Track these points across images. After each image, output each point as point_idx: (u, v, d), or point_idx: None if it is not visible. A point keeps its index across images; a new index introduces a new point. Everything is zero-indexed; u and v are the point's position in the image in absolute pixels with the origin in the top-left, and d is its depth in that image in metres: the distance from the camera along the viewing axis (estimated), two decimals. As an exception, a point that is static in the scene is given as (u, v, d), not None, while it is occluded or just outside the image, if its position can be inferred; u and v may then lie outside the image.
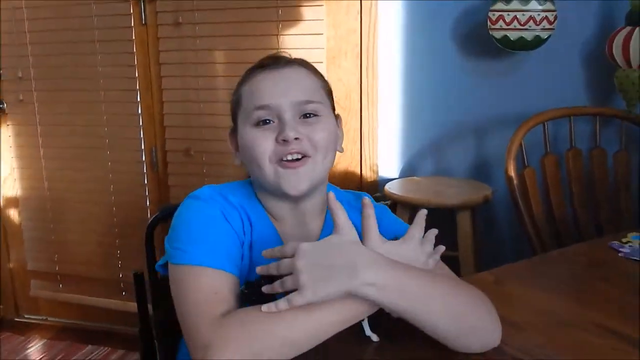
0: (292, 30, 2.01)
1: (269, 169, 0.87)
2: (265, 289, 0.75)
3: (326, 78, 0.98)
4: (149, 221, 1.16)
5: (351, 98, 2.03)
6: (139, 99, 2.23)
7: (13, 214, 2.51)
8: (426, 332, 0.78)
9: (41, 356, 2.31)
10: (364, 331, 0.83)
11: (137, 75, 2.21)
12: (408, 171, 2.08)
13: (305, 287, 0.70)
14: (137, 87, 2.22)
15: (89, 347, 2.35)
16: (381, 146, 2.07)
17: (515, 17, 1.74)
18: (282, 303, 0.71)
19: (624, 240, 1.26)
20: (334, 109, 0.96)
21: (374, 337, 0.83)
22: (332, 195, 0.78)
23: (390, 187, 1.87)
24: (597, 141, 1.85)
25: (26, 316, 2.58)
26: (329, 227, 0.91)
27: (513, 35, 1.76)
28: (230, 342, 0.69)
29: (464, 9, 1.93)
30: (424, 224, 0.82)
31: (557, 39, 1.80)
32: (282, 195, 0.89)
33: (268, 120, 0.87)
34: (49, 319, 2.56)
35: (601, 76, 1.89)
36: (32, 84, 2.33)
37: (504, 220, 2.05)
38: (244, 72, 0.93)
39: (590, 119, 1.86)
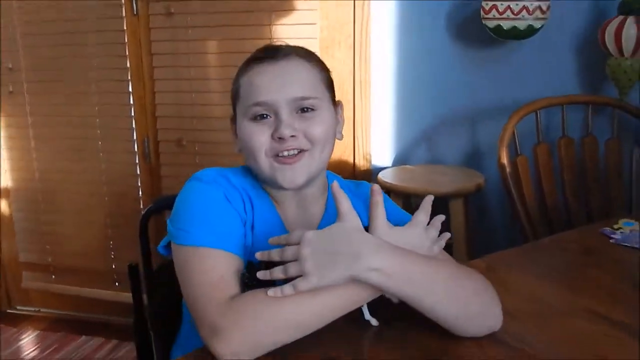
0: (285, 20, 2.00)
1: (264, 163, 0.89)
2: (261, 274, 0.76)
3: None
4: (143, 212, 1.16)
5: (344, 88, 2.03)
6: (130, 90, 2.22)
7: (4, 205, 2.49)
8: (429, 317, 0.79)
9: (34, 347, 2.30)
10: (363, 315, 0.84)
11: (128, 65, 2.19)
12: (401, 160, 2.09)
13: (311, 274, 0.72)
14: (129, 78, 2.21)
15: (83, 337, 2.35)
16: (374, 135, 2.08)
17: (508, 7, 1.73)
18: (287, 288, 0.73)
19: (615, 226, 1.27)
20: (334, 98, 0.96)
21: (374, 322, 0.84)
22: (335, 183, 0.80)
23: (383, 176, 1.88)
24: (589, 129, 1.86)
25: (18, 308, 2.58)
26: (330, 209, 0.94)
27: (506, 25, 1.76)
28: (239, 324, 0.72)
29: (457, -1, 1.93)
30: (429, 210, 0.83)
31: (550, 29, 1.81)
32: (279, 188, 0.91)
33: (265, 114, 0.88)
34: (41, 310, 2.56)
35: (593, 65, 1.89)
36: (22, 75, 2.32)
37: (496, 208, 2.06)
38: (243, 62, 0.93)
39: (583, 107, 1.87)
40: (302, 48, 0.94)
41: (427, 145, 2.07)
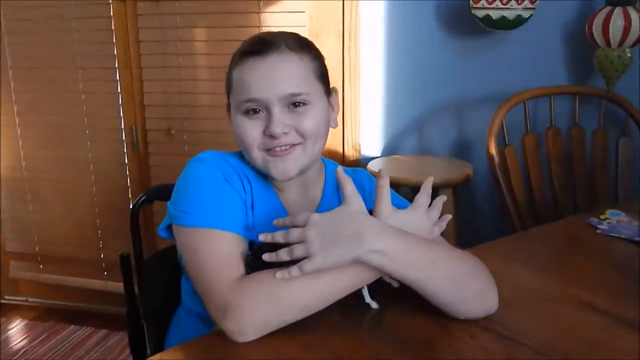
0: (274, 8, 1.98)
1: (257, 156, 0.90)
2: (267, 257, 0.77)
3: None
4: (135, 202, 1.16)
5: (333, 77, 2.00)
6: (118, 78, 2.19)
7: (-10, 194, 2.47)
8: (428, 299, 0.82)
9: (23, 337, 2.29)
10: (364, 298, 0.86)
11: (115, 53, 2.17)
12: (390, 150, 2.09)
13: (316, 255, 0.74)
14: (116, 65, 2.18)
15: (72, 327, 2.34)
16: (363, 125, 2.08)
17: (497, -4, 1.74)
18: (294, 270, 0.75)
19: (602, 217, 1.29)
20: (328, 86, 0.96)
21: (374, 304, 0.86)
22: (340, 168, 0.81)
23: (372, 166, 1.88)
24: (576, 120, 1.87)
25: (6, 297, 2.56)
26: (328, 192, 0.98)
27: (495, 14, 1.77)
28: (249, 305, 0.75)
29: (446, -13, 1.93)
30: (430, 191, 0.85)
31: (539, 19, 1.81)
32: (272, 179, 0.92)
33: (257, 109, 0.89)
34: (30, 300, 2.54)
35: (581, 56, 1.91)
36: (7, 62, 2.28)
37: (485, 198, 2.08)
38: (235, 52, 0.92)
39: (570, 98, 1.89)
40: (293, 36, 0.92)
41: (417, 135, 2.08)
